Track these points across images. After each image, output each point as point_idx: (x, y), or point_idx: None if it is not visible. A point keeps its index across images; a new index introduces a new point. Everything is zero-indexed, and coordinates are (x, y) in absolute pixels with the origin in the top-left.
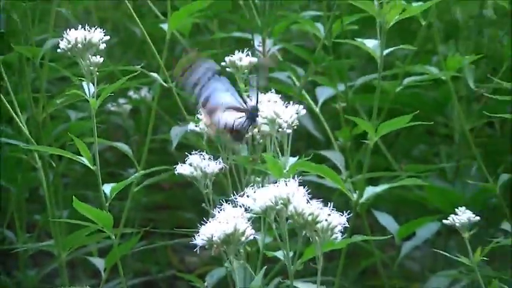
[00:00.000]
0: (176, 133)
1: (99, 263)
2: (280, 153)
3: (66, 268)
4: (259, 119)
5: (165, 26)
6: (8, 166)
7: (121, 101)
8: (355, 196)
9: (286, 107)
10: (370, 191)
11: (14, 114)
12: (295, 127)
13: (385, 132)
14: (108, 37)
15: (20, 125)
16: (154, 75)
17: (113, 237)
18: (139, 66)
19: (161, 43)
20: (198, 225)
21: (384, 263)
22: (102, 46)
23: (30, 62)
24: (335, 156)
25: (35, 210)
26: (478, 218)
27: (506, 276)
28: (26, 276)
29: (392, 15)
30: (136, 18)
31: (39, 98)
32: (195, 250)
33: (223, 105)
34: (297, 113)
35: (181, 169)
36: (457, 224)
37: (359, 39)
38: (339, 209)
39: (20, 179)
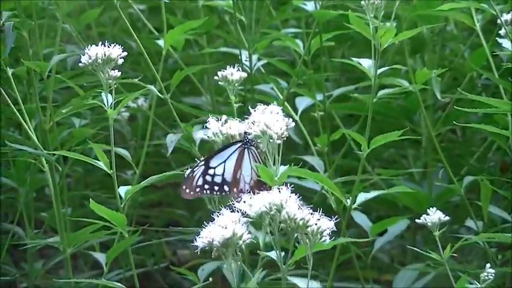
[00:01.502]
0: (171, 140)
1: (101, 257)
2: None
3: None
4: (252, 133)
5: (161, 42)
6: (18, 169)
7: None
8: (348, 202)
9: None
10: (362, 197)
11: (23, 122)
12: (285, 138)
13: (377, 145)
14: (125, 53)
15: (29, 132)
16: (151, 87)
17: (124, 233)
18: (137, 79)
19: (154, 55)
20: (189, 221)
21: (358, 256)
22: (120, 61)
23: (37, 74)
24: (315, 161)
25: (41, 208)
26: (447, 218)
27: (471, 269)
28: (32, 268)
29: (386, 38)
30: (134, 34)
31: (45, 106)
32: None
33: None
34: (287, 126)
35: None
36: (429, 224)
37: (355, 59)
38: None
39: (29, 181)
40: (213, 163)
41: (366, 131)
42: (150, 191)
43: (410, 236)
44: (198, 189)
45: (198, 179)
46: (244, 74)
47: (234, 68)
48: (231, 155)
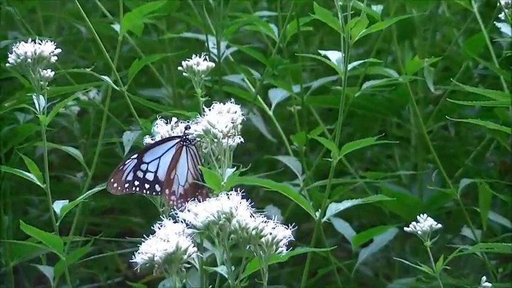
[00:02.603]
0: (129, 138)
1: (48, 271)
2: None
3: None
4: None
5: (116, 27)
6: None
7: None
8: (317, 214)
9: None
10: (333, 208)
11: None
12: (233, 136)
13: (349, 151)
14: (59, 50)
15: None
16: (106, 78)
17: (61, 256)
18: (89, 69)
19: (106, 41)
20: (145, 230)
21: (339, 268)
22: (54, 59)
23: None
24: (291, 162)
25: None
26: (440, 225)
27: (466, 283)
28: None
29: (357, 30)
30: (86, 18)
31: None
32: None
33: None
34: (233, 122)
35: None
36: (419, 232)
37: (322, 52)
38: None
39: None
40: (147, 158)
41: (336, 135)
42: (102, 196)
43: (397, 246)
44: (126, 185)
45: (128, 174)
46: (212, 64)
47: (200, 56)
48: (167, 151)
